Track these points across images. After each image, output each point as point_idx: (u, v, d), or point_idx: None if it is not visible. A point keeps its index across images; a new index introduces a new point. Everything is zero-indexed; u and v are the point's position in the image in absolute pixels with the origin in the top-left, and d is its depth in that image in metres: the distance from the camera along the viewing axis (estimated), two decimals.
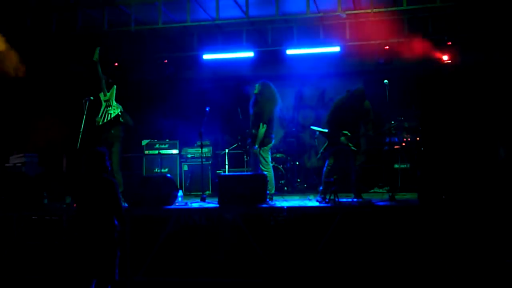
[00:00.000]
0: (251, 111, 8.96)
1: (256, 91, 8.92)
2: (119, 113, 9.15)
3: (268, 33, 11.67)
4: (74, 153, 8.71)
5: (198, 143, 11.42)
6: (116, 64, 12.07)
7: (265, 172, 8.61)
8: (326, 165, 8.64)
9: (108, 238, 5.72)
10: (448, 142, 12.32)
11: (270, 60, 13.76)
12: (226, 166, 10.82)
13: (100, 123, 9.11)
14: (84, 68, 12.54)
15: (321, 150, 8.76)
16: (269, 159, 8.86)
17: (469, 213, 7.07)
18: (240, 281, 7.43)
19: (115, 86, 9.35)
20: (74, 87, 11.94)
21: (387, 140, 10.55)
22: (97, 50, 9.32)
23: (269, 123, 8.74)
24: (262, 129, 8.67)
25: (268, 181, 8.17)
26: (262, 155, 8.74)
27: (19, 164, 9.64)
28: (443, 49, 11.16)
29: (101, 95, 9.31)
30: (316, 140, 12.11)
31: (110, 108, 9.20)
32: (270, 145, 8.90)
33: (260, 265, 7.42)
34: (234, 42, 12.32)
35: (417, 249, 7.11)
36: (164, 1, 10.21)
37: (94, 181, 5.81)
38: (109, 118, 9.11)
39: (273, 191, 8.66)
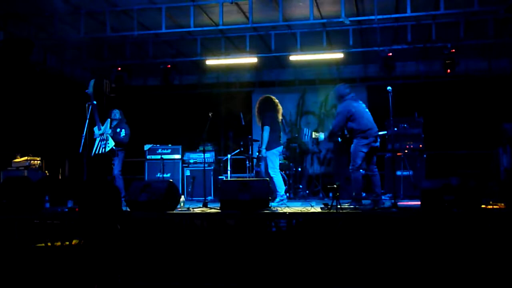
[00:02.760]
0: None
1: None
2: (114, 147, 9.25)
3: (271, 39, 11.67)
4: (76, 157, 8.72)
5: (201, 148, 11.45)
6: (120, 68, 12.09)
7: (273, 176, 8.89)
8: None
9: (110, 243, 5.71)
10: (451, 150, 12.33)
11: (273, 65, 13.81)
12: (229, 172, 10.81)
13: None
14: (89, 73, 12.62)
15: None
16: (277, 163, 9.06)
17: (471, 221, 7.04)
18: (242, 286, 7.41)
19: (109, 120, 9.42)
20: (77, 92, 11.98)
21: (390, 147, 10.55)
22: (91, 83, 8.97)
23: (272, 126, 8.98)
24: (265, 132, 8.94)
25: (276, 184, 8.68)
26: (270, 159, 8.95)
27: (22, 168, 9.64)
28: (447, 56, 11.14)
29: (95, 129, 9.31)
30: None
31: (104, 141, 9.26)
32: (279, 148, 9.16)
33: (262, 271, 7.40)
34: (237, 48, 12.35)
35: (419, 257, 7.09)
36: (168, 6, 10.22)
37: (97, 186, 5.81)
38: (104, 151, 9.18)
39: (282, 193, 8.99)
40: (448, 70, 11.15)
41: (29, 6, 9.88)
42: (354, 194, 8.33)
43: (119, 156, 9.59)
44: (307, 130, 8.81)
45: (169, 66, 12.25)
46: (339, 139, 8.92)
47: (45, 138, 11.32)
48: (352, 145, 8.38)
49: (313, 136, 9.05)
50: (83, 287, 5.82)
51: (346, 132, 8.62)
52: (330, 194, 9.68)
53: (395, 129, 10.69)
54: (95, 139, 9.34)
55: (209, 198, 10.48)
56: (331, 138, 8.99)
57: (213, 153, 11.77)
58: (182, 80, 14.65)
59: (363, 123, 8.29)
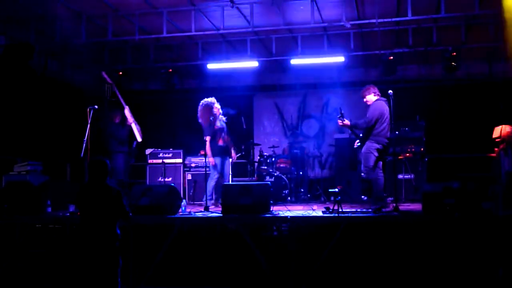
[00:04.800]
0: None
1: None
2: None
3: (272, 43, 11.69)
4: (78, 161, 8.73)
5: (202, 152, 11.44)
6: (120, 73, 12.11)
7: None
8: None
9: (110, 247, 5.71)
10: (453, 153, 12.31)
11: (274, 69, 13.82)
12: (230, 176, 10.80)
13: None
14: (89, 77, 12.62)
15: None
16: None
17: (473, 225, 7.04)
18: None
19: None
20: (79, 96, 12.00)
21: (391, 150, 10.54)
22: (103, 73, 9.80)
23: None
24: None
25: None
26: None
27: (23, 173, 9.64)
28: (448, 59, 11.14)
29: (127, 112, 9.76)
30: None
31: (135, 125, 9.79)
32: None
33: (263, 275, 7.39)
34: (238, 52, 12.36)
35: (420, 260, 7.08)
36: (169, 10, 10.23)
37: (97, 190, 5.81)
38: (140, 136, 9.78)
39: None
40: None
41: (31, 10, 9.89)
42: (376, 195, 8.31)
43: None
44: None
45: (170, 70, 12.27)
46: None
47: (46, 142, 11.32)
48: (364, 147, 8.39)
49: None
50: None
51: (359, 132, 8.62)
52: (332, 198, 9.67)
53: (397, 132, 10.68)
54: (129, 124, 9.71)
55: (210, 202, 10.47)
56: (355, 129, 8.81)
57: None
58: (183, 84, 14.66)
59: (382, 128, 8.31)
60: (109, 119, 9.89)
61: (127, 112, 9.72)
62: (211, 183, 9.65)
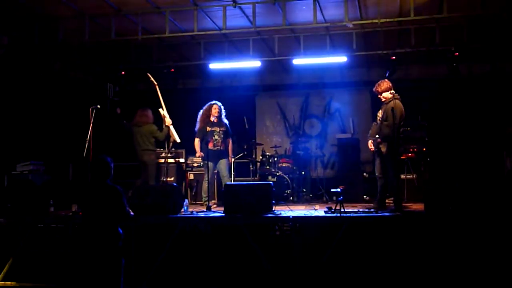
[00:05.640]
0: None
1: None
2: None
3: (274, 43, 11.68)
4: (80, 161, 8.74)
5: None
6: (123, 72, 12.11)
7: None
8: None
9: (113, 247, 5.72)
10: (455, 153, 12.31)
11: (277, 69, 13.82)
12: (232, 175, 10.80)
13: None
14: (92, 77, 12.64)
15: None
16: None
17: (475, 224, 7.03)
18: None
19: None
20: (81, 96, 12.01)
21: None
22: (148, 75, 9.93)
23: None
24: None
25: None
26: None
27: (26, 172, 9.66)
28: (450, 59, 11.13)
29: (163, 111, 9.83)
30: None
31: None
32: None
33: (265, 275, 7.39)
34: (240, 52, 12.35)
35: (422, 259, 7.08)
36: (171, 10, 10.24)
37: (99, 189, 5.82)
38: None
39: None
40: None
41: (33, 11, 9.90)
42: (396, 196, 8.17)
43: None
44: None
45: (173, 70, 12.27)
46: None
47: (49, 142, 11.34)
48: (391, 153, 8.13)
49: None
50: None
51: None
52: (334, 198, 9.66)
53: None
54: (168, 126, 9.78)
55: (212, 201, 10.47)
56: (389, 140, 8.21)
57: None
58: (185, 84, 14.66)
59: (402, 129, 8.13)
60: (146, 118, 9.99)
61: (165, 113, 9.79)
62: (204, 185, 9.69)
